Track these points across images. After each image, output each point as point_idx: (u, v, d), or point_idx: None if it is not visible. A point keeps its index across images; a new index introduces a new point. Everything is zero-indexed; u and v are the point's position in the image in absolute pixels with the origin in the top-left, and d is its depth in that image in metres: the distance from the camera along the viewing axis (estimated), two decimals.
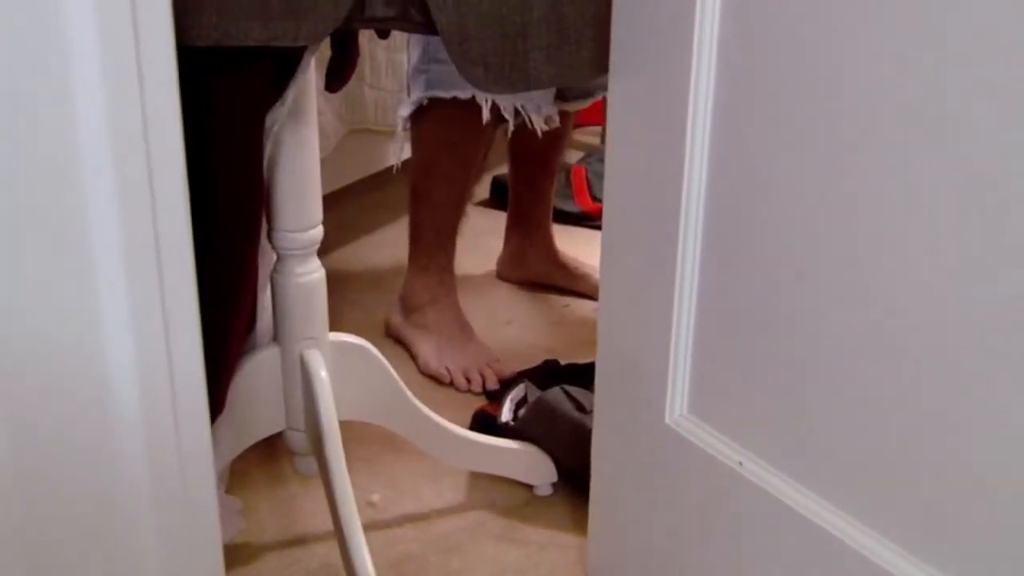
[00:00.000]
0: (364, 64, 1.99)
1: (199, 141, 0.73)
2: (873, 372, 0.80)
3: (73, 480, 0.67)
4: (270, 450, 1.27)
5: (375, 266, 1.96)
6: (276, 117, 0.98)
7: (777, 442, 0.90)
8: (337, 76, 1.05)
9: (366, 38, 1.97)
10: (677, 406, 0.99)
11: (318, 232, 1.10)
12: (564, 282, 1.96)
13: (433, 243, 1.71)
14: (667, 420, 0.99)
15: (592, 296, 1.85)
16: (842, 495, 0.85)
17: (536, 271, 1.98)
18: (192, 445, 0.71)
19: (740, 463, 0.92)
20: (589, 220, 2.18)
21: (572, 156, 2.35)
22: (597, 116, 2.59)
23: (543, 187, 1.94)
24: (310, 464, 1.19)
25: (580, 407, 1.30)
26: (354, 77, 1.96)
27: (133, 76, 0.62)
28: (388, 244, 2.00)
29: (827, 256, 0.82)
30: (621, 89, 0.97)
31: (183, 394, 0.70)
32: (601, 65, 0.96)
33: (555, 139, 1.81)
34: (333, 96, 1.94)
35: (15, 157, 0.59)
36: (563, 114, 1.73)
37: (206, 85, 0.87)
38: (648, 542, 1.06)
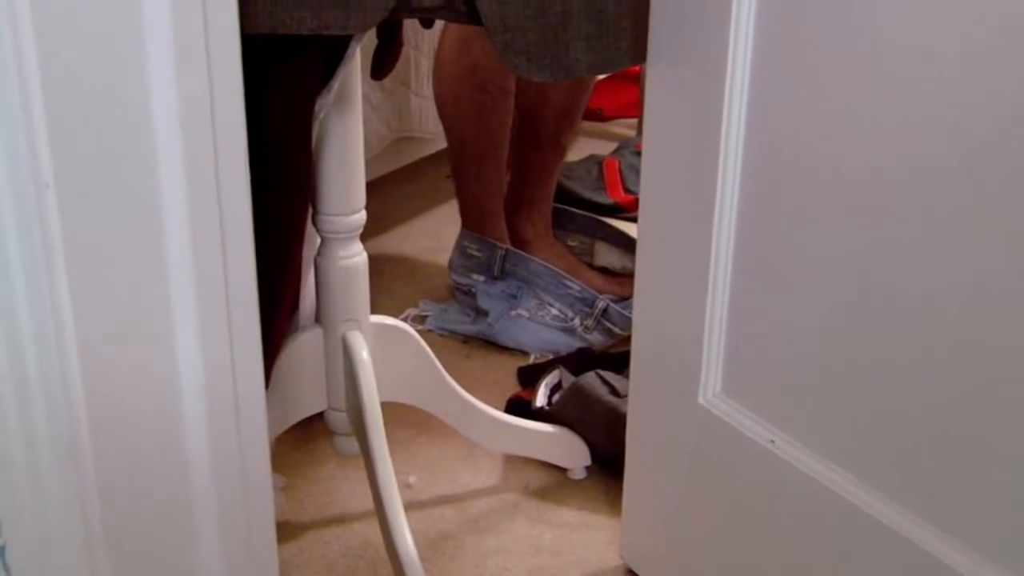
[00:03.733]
0: (409, 72, 2.01)
1: (252, 127, 0.76)
2: (906, 351, 0.81)
3: (144, 464, 0.70)
4: (308, 431, 1.29)
5: (408, 255, 1.98)
6: (323, 103, 1.01)
7: (809, 421, 0.91)
8: (383, 64, 1.08)
9: (411, 44, 1.98)
10: (710, 386, 1.00)
11: (361, 216, 1.12)
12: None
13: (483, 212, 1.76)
14: (700, 400, 1.00)
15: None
16: (874, 473, 0.86)
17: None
18: (249, 423, 0.74)
19: (772, 441, 0.94)
20: (622, 212, 2.19)
21: (605, 148, 2.36)
22: (631, 109, 2.60)
23: (551, 165, 1.84)
24: (348, 444, 1.21)
25: (614, 391, 1.31)
26: (400, 85, 1.99)
27: (203, 66, 0.65)
28: (420, 234, 2.02)
29: (863, 239, 0.83)
30: (659, 77, 0.99)
31: (243, 377, 0.73)
32: (639, 55, 0.98)
33: (568, 111, 1.78)
34: (381, 105, 1.95)
35: (99, 143, 0.63)
36: (577, 83, 1.73)
37: (260, 72, 0.90)
38: (682, 521, 1.08)
